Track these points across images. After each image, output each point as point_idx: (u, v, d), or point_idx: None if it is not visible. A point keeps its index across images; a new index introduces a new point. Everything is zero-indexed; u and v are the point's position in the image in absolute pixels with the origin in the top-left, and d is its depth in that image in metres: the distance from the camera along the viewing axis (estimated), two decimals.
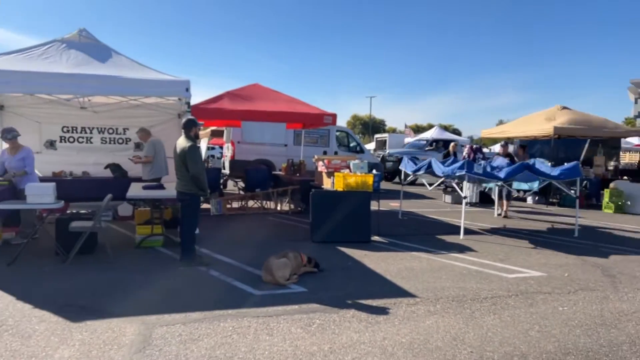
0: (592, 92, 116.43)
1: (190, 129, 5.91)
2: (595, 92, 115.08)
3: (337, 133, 16.92)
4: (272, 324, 4.06)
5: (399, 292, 5.02)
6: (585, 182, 13.81)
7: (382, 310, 4.44)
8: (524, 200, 14.50)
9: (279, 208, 10.96)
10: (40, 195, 5.80)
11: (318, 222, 7.55)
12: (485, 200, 13.49)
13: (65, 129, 9.50)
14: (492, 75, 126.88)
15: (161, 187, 7.57)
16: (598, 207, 13.23)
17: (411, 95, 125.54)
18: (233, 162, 14.02)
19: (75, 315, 4.13)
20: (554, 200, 13.73)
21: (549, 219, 10.86)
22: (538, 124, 14.25)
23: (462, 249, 7.30)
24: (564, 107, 14.72)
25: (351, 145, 17.30)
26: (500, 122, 58.85)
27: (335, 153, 15.99)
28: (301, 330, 3.93)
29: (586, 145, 16.27)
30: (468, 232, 8.87)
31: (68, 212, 7.67)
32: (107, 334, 3.77)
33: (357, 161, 8.60)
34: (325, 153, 16.07)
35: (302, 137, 13.95)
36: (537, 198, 13.99)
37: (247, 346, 3.60)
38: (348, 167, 8.61)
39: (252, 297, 4.79)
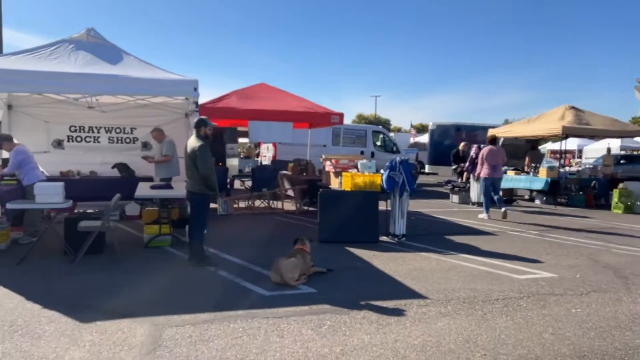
0: (599, 91, 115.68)
1: (200, 128, 5.89)
2: (602, 92, 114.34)
3: (374, 133, 17.16)
4: (282, 325, 4.03)
5: (410, 293, 4.98)
6: (594, 182, 13.70)
7: (393, 312, 4.40)
8: (532, 200, 14.42)
9: (286, 208, 10.94)
10: (49, 195, 5.81)
11: (326, 221, 7.52)
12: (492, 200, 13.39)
13: (72, 129, 9.51)
14: (497, 74, 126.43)
15: (169, 186, 7.56)
16: (607, 207, 13.11)
17: (416, 94, 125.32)
18: (274, 162, 14.23)
19: (85, 316, 4.12)
20: (562, 200, 13.62)
21: (558, 220, 10.77)
22: (546, 123, 14.14)
23: (471, 249, 7.25)
24: (572, 107, 14.58)
25: (387, 145, 17.37)
26: (506, 122, 58.58)
27: (372, 154, 16.16)
28: (312, 332, 3.89)
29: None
30: (476, 232, 8.81)
31: (76, 211, 7.70)
32: (117, 334, 3.76)
33: (364, 161, 8.57)
34: (362, 153, 16.57)
35: (340, 137, 14.32)
36: (545, 198, 13.89)
37: (258, 347, 3.57)
38: (356, 166, 8.57)
39: (261, 297, 4.77)
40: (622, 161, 20.12)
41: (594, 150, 28.57)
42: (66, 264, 5.79)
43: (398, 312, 4.39)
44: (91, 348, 3.50)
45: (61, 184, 5.96)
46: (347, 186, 7.91)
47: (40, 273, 5.41)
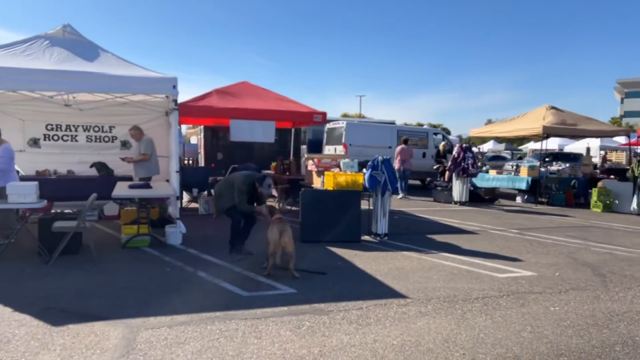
0: (579, 91, 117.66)
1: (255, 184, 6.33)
2: (582, 92, 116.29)
3: (435, 136, 17.64)
4: (260, 326, 3.97)
5: (390, 293, 4.95)
6: (574, 181, 13.88)
7: (373, 312, 4.37)
8: (514, 199, 14.56)
9: None
10: (22, 195, 5.64)
11: (308, 221, 7.46)
12: (475, 199, 13.50)
13: (49, 127, 9.30)
14: (481, 74, 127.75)
15: (148, 186, 7.43)
16: (587, 205, 13.30)
17: (400, 94, 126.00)
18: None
19: (56, 319, 4.00)
20: (543, 200, 13.78)
21: (538, 219, 10.88)
22: (527, 123, 14.29)
23: (452, 248, 7.26)
24: (553, 107, 14.75)
25: (446, 147, 17.52)
26: (489, 121, 59.22)
27: (432, 155, 16.55)
28: (290, 333, 3.84)
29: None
30: (458, 231, 8.84)
31: (52, 211, 7.53)
32: (90, 338, 3.65)
33: (347, 160, 8.53)
34: (424, 155, 17.07)
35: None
36: (526, 197, 14.03)
37: (235, 350, 3.51)
38: (338, 166, 8.53)
39: (240, 298, 4.70)
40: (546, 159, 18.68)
41: (574, 150, 29.00)
42: (40, 266, 5.64)
43: (378, 312, 4.36)
44: (62, 352, 3.40)
45: (34, 183, 5.80)
46: (329, 185, 7.87)
47: (12, 275, 5.26)
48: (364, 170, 8.12)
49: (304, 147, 14.10)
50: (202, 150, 17.07)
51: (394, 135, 16.85)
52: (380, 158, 7.75)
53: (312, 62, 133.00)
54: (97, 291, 4.78)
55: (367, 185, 7.70)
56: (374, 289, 5.08)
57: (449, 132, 48.58)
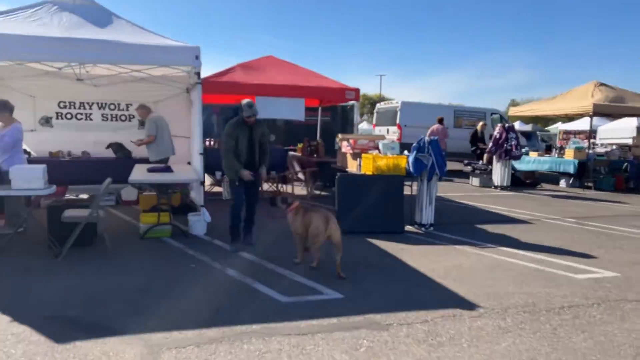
0: (607, 69, 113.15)
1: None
2: (610, 69, 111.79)
3: (493, 116, 16.93)
4: (308, 346, 3.21)
5: (456, 300, 4.15)
6: (625, 164, 12.81)
7: (442, 326, 3.58)
8: (556, 183, 13.55)
9: (296, 192, 10.08)
10: (27, 180, 4.95)
11: (345, 210, 6.66)
12: (515, 183, 12.54)
13: (62, 105, 8.62)
14: (502, 53, 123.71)
15: (168, 169, 6.70)
16: (638, 191, 12.25)
17: (420, 73, 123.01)
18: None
19: (62, 333, 3.30)
20: (589, 184, 12.74)
21: (591, 206, 9.91)
22: (574, 101, 13.19)
23: (509, 241, 6.41)
24: (601, 84, 13.60)
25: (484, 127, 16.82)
26: (513, 102, 57.10)
27: (490, 136, 15.60)
28: (347, 357, 3.07)
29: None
30: (509, 220, 7.97)
31: (66, 196, 6.87)
32: None
33: (386, 141, 7.68)
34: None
35: (463, 119, 15.66)
36: (571, 181, 13.01)
37: None
38: (377, 147, 7.68)
39: (278, 305, 3.95)
40: None
41: (610, 130, 27.43)
42: (48, 261, 4.97)
43: (448, 327, 3.57)
44: None
45: (42, 166, 5.09)
46: (367, 169, 7.04)
47: (16, 273, 4.59)
48: (406, 152, 7.28)
49: (361, 126, 13.31)
50: None
51: (450, 115, 16.14)
52: (426, 139, 6.88)
53: (329, 42, 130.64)
54: (111, 294, 4.08)
55: (411, 169, 6.86)
56: (436, 295, 4.28)
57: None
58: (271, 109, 9.26)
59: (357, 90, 9.75)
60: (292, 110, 9.28)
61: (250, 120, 5.44)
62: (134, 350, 3.10)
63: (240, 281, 4.52)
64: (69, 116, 8.68)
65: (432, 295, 4.26)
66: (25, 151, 6.70)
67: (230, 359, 3.01)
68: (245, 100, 5.43)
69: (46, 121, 8.55)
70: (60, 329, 3.38)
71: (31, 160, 7.19)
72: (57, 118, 8.61)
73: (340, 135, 8.40)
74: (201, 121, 6.47)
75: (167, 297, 4.07)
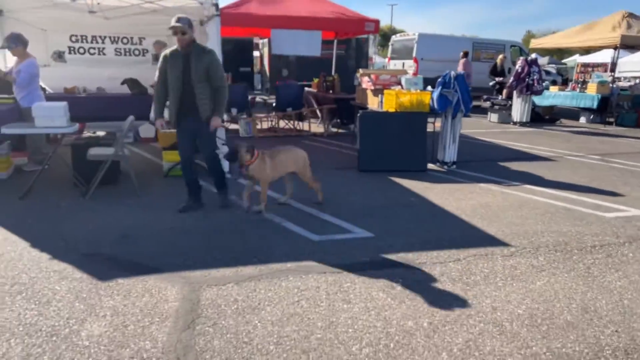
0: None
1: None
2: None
3: (512, 48, 16.40)
4: (345, 284, 3.26)
5: (486, 239, 4.16)
6: None
7: (475, 265, 3.60)
8: (576, 118, 13.26)
9: (313, 130, 9.96)
10: (50, 118, 4.88)
11: (367, 148, 6.58)
12: (534, 119, 12.27)
13: (74, 38, 8.37)
14: None
15: None
16: None
17: (431, 3, 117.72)
18: None
19: (102, 270, 3.37)
20: (611, 120, 12.44)
21: (615, 142, 9.72)
22: (599, 32, 12.60)
23: (534, 179, 6.35)
24: (631, 14, 12.91)
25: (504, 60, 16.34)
26: (529, 33, 54.82)
27: (509, 70, 15.01)
28: (384, 295, 3.12)
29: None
30: (532, 157, 7.86)
31: (85, 134, 6.82)
32: (145, 298, 3.01)
33: (409, 76, 7.43)
34: None
35: (481, 52, 15.32)
36: (592, 116, 12.71)
37: (323, 320, 2.81)
38: (399, 83, 7.45)
39: (310, 244, 3.98)
40: None
41: (632, 63, 26.46)
42: (76, 199, 5.01)
43: (482, 266, 3.59)
44: (113, 319, 2.76)
45: (64, 104, 5.00)
46: (389, 106, 6.86)
47: (47, 210, 4.64)
48: (429, 88, 7.06)
49: (377, 59, 12.99)
50: (267, 66, 16.20)
51: (469, 48, 15.46)
52: (452, 73, 6.65)
53: None
54: (143, 233, 4.12)
55: (435, 106, 6.68)
56: (465, 234, 4.28)
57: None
58: (287, 45, 8.98)
59: (377, 22, 9.36)
60: (309, 45, 8.98)
61: (182, 42, 4.21)
62: (175, 287, 3.16)
63: (268, 219, 4.54)
64: (81, 50, 8.45)
65: (461, 234, 4.26)
66: (41, 87, 6.58)
67: (270, 296, 3.06)
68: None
69: (59, 56, 8.34)
70: (100, 266, 3.44)
71: (48, 97, 7.08)
72: (69, 52, 8.39)
73: (361, 71, 8.13)
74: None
75: (198, 234, 4.11)
